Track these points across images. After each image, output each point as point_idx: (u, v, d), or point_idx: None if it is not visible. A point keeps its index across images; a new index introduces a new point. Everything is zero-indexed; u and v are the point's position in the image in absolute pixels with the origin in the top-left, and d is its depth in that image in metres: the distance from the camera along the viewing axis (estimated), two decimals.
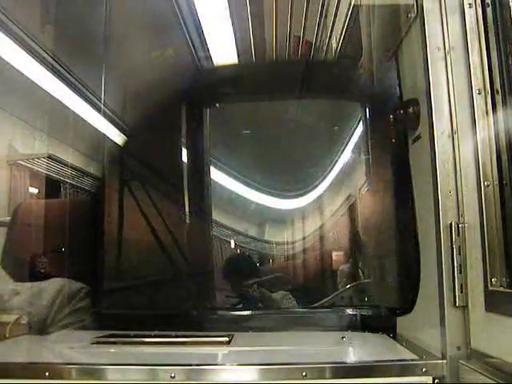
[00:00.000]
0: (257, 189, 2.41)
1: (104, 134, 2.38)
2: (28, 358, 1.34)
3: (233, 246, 2.40)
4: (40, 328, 1.59)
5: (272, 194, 2.43)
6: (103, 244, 1.97)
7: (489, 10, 1.11)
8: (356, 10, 1.77)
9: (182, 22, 2.01)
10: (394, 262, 1.56)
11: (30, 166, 2.65)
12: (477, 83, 1.11)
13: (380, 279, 1.73)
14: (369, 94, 1.83)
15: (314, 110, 2.26)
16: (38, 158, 2.60)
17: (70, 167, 2.56)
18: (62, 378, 1.08)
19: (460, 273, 1.09)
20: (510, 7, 1.07)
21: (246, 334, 1.63)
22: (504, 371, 0.93)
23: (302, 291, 2.11)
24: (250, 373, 1.10)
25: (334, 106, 2.27)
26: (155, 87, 2.17)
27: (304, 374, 1.06)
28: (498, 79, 1.09)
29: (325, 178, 2.29)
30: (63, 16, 2.03)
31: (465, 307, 1.08)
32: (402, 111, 1.38)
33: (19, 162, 2.56)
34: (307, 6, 1.81)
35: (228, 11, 1.92)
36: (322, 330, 1.70)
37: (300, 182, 2.33)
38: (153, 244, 2.07)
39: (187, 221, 2.18)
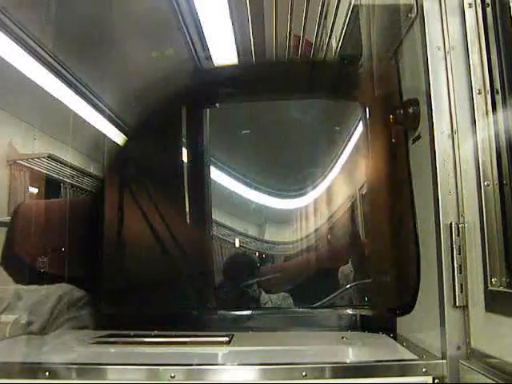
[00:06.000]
0: (256, 188, 2.41)
1: (104, 134, 2.39)
2: (28, 357, 1.34)
3: (233, 246, 2.40)
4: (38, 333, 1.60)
5: (272, 194, 2.43)
6: (102, 244, 1.97)
7: (489, 10, 1.11)
8: (356, 10, 1.76)
9: (181, 21, 2.01)
10: (394, 262, 1.56)
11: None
12: (477, 83, 1.11)
13: (380, 279, 1.73)
14: (368, 93, 1.83)
15: (314, 109, 2.26)
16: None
17: (70, 167, 2.57)
18: (61, 378, 1.08)
19: (460, 273, 1.09)
20: (510, 7, 1.07)
21: (246, 334, 1.63)
22: (504, 371, 0.93)
23: (302, 292, 2.11)
24: (250, 373, 1.10)
25: (334, 105, 2.27)
26: (155, 87, 2.17)
27: (304, 373, 1.06)
28: (497, 79, 1.09)
29: (323, 178, 2.29)
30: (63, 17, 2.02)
31: (465, 307, 1.08)
32: (401, 111, 1.38)
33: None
34: (307, 6, 1.81)
35: (228, 11, 1.92)
36: (322, 329, 1.70)
37: (298, 183, 2.33)
38: (152, 244, 2.07)
39: (187, 221, 2.18)
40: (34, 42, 2.12)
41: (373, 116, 1.81)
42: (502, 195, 1.06)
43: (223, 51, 2.19)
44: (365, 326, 1.64)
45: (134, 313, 1.79)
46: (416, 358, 1.15)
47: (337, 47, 1.99)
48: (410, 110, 1.32)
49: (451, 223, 1.11)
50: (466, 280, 1.08)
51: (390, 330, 1.46)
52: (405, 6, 1.34)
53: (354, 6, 1.77)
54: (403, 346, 1.32)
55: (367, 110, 1.87)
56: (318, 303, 1.89)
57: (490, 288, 1.03)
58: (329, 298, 1.92)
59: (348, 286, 1.97)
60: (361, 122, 2.01)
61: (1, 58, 2.14)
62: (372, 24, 1.66)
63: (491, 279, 1.03)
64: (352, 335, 1.54)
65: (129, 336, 1.51)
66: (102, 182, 2.28)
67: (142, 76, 2.26)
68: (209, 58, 2.19)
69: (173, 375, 1.06)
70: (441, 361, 1.08)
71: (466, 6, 1.14)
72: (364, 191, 1.99)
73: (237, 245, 2.42)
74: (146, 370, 1.10)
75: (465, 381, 1.04)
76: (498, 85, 1.09)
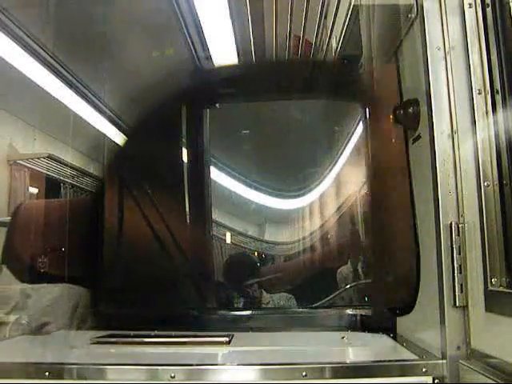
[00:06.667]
0: (256, 188, 2.41)
1: (104, 134, 2.39)
2: (28, 357, 1.33)
3: (233, 245, 2.40)
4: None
5: (272, 194, 2.43)
6: (102, 244, 1.97)
7: (489, 10, 1.11)
8: (356, 10, 1.76)
9: (182, 21, 2.01)
10: (394, 262, 1.56)
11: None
12: (477, 83, 1.11)
13: (380, 279, 1.73)
14: (368, 93, 1.83)
15: (314, 109, 2.26)
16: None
17: (70, 167, 2.57)
18: (62, 378, 1.08)
19: (460, 273, 1.09)
20: (510, 7, 1.07)
21: (246, 334, 1.63)
22: (504, 371, 0.93)
23: (301, 292, 2.11)
24: (250, 373, 1.10)
25: (334, 105, 2.27)
26: (155, 87, 2.17)
27: (304, 374, 1.06)
28: (497, 79, 1.09)
29: (323, 178, 2.29)
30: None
31: (465, 307, 1.08)
32: (401, 111, 1.38)
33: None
34: (307, 6, 1.81)
35: (228, 11, 1.92)
36: (322, 329, 1.70)
37: (298, 183, 2.33)
38: (152, 244, 2.07)
39: (187, 221, 2.18)
40: (34, 42, 2.13)
41: (373, 116, 1.81)
42: (502, 195, 1.06)
43: (223, 51, 2.19)
44: (365, 325, 1.64)
45: (134, 313, 1.78)
46: (416, 358, 1.15)
47: (337, 47, 1.99)
48: (410, 110, 1.32)
49: (451, 223, 1.11)
50: (466, 280, 1.08)
51: (390, 330, 1.46)
52: (405, 6, 1.34)
53: (353, 6, 1.77)
54: (403, 346, 1.32)
55: (367, 110, 1.87)
56: (318, 303, 1.89)
57: (490, 288, 1.03)
58: (328, 298, 1.92)
59: (348, 286, 1.97)
60: (361, 122, 2.01)
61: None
62: (372, 24, 1.66)
63: (491, 279, 1.03)
64: (352, 335, 1.54)
65: (129, 336, 1.50)
66: (102, 181, 2.28)
67: (142, 76, 2.26)
68: (209, 58, 2.19)
69: (173, 375, 1.06)
70: (441, 361, 1.08)
71: (466, 6, 1.14)
72: (364, 191, 1.99)
73: (236, 245, 2.42)
74: (146, 370, 1.10)
75: (465, 381, 1.04)
76: (497, 85, 1.09)
